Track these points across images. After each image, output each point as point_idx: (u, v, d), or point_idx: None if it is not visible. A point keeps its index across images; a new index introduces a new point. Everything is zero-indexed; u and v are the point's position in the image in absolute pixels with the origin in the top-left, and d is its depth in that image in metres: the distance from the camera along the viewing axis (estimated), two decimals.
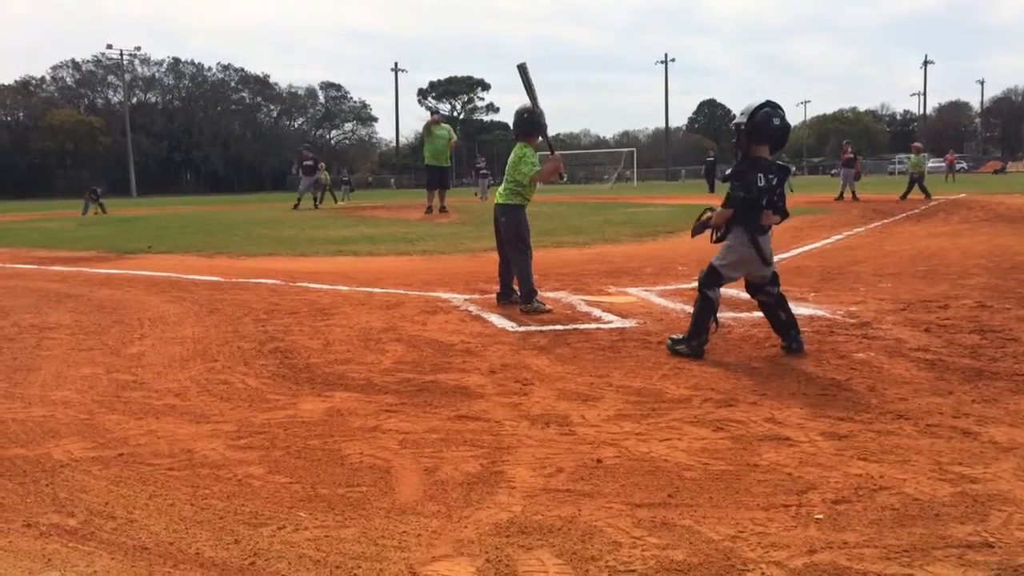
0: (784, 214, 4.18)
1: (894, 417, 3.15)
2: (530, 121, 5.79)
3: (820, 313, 5.31)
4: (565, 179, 6.71)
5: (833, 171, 24.91)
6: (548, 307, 5.58)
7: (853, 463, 2.67)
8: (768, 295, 4.25)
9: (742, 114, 4.05)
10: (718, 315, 4.32)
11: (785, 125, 4.03)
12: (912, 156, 22.97)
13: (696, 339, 4.19)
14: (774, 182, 4.05)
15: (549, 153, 5.97)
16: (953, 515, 2.25)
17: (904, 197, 21.00)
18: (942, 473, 2.56)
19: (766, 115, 3.97)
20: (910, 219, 14.48)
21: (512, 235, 5.80)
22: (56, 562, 2.09)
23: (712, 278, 4.21)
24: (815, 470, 2.62)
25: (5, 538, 2.24)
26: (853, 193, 21.53)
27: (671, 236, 11.53)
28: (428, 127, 17.63)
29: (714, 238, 4.27)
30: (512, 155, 5.83)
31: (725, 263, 4.19)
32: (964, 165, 63.82)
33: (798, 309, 5.42)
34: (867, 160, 65.42)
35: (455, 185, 42.73)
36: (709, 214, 4.27)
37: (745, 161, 4.07)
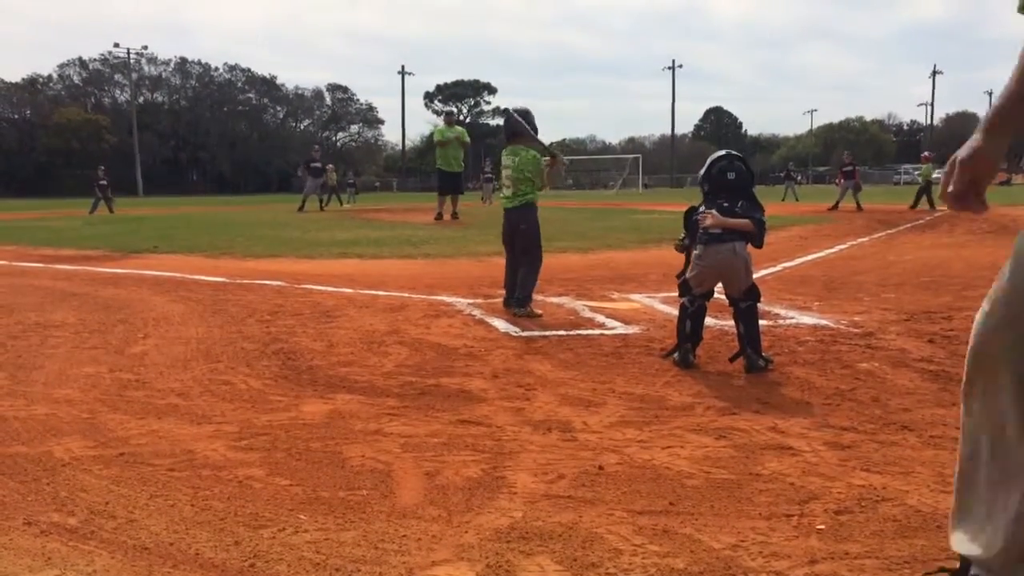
0: (750, 219, 4.07)
1: (898, 428, 3.14)
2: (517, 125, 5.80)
3: (824, 323, 5.30)
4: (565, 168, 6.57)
5: (836, 181, 25.13)
6: (539, 312, 5.64)
7: (856, 473, 2.66)
8: (735, 306, 4.15)
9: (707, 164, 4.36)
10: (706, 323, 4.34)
11: (739, 178, 4.20)
12: (923, 166, 23.54)
13: (677, 348, 4.22)
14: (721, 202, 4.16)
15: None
16: None
17: (914, 206, 21.27)
18: (945, 485, 2.55)
19: (720, 169, 4.25)
20: (914, 229, 14.45)
21: (534, 237, 5.84)
22: (56, 561, 2.09)
23: (684, 287, 4.25)
24: (817, 480, 2.61)
25: (5, 536, 2.24)
26: (857, 203, 21.65)
27: None
28: (441, 140, 16.25)
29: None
30: (516, 158, 5.76)
31: (691, 274, 4.24)
32: None
33: (802, 318, 5.43)
34: (872, 170, 65.29)
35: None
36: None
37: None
